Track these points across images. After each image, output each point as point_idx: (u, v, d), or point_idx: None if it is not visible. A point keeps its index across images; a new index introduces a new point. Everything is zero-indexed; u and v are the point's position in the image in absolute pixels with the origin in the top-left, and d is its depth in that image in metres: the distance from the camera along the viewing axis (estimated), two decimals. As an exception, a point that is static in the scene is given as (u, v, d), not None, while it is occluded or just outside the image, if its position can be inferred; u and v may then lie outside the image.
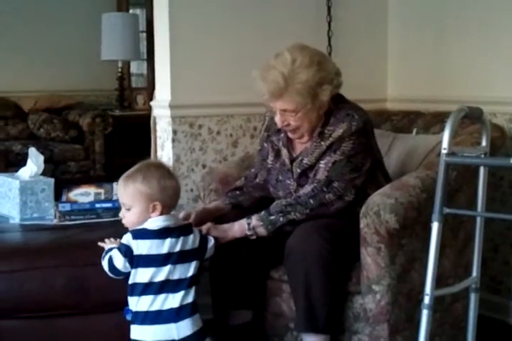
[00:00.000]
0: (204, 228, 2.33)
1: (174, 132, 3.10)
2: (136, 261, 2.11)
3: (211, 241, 2.26)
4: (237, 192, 2.64)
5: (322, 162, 2.39)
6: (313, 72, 2.34)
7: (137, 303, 2.10)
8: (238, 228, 2.37)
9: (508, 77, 2.99)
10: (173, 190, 2.16)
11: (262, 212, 2.37)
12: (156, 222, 2.14)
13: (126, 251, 2.11)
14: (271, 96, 2.35)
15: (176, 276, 2.11)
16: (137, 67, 6.95)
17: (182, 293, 2.10)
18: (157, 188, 2.13)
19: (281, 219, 2.34)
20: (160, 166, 2.22)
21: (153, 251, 2.11)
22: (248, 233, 2.36)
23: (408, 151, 2.79)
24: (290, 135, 2.48)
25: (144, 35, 6.47)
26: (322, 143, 2.40)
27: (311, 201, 2.34)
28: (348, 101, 2.49)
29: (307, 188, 2.38)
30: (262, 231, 2.36)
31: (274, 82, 2.32)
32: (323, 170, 2.37)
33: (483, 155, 2.15)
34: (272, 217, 2.35)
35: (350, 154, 2.36)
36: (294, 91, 2.32)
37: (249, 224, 2.36)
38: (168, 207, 2.16)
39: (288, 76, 2.32)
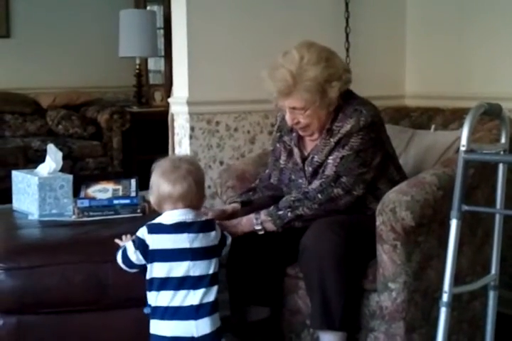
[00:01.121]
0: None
1: (192, 129, 3.10)
2: (152, 255, 2.12)
3: (229, 239, 2.27)
4: (250, 193, 2.65)
5: (330, 158, 2.38)
6: (321, 68, 2.34)
7: (156, 298, 2.11)
8: (246, 222, 2.38)
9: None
10: (178, 193, 2.15)
11: (271, 207, 2.38)
12: (171, 216, 2.15)
13: (139, 244, 2.12)
14: (280, 94, 2.36)
15: (196, 273, 2.11)
16: (155, 64, 6.96)
17: (203, 290, 2.11)
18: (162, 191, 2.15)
19: (289, 214, 2.35)
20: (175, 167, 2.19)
21: (169, 246, 2.11)
22: (256, 227, 2.37)
23: (426, 148, 2.78)
24: (301, 132, 2.48)
25: (162, 31, 6.49)
26: (331, 139, 2.40)
27: (320, 196, 2.34)
28: (357, 96, 2.48)
29: (315, 183, 2.38)
30: (270, 226, 2.37)
31: (283, 80, 2.33)
32: (332, 166, 2.37)
33: (502, 152, 2.14)
34: (280, 212, 2.36)
35: (358, 149, 2.36)
36: (302, 88, 2.32)
37: (257, 218, 2.37)
38: (182, 201, 2.15)
39: (296, 74, 2.32)
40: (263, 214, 2.38)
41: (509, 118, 2.26)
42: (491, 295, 2.22)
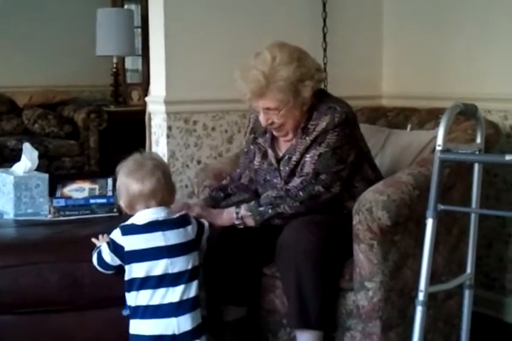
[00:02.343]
0: (196, 211, 2.36)
1: (169, 128, 3.09)
2: (129, 256, 2.11)
3: (206, 225, 2.28)
4: (221, 195, 2.63)
5: (308, 155, 2.39)
6: (293, 68, 2.34)
7: (136, 298, 2.10)
8: (226, 216, 2.40)
9: (503, 73, 2.99)
10: (148, 189, 2.14)
11: (252, 202, 2.39)
12: (143, 215, 2.14)
13: (114, 247, 2.13)
14: (253, 95, 2.36)
15: (175, 270, 2.11)
16: (132, 63, 6.93)
17: (182, 286, 2.11)
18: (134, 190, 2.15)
19: (269, 211, 2.36)
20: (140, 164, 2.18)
21: (144, 246, 2.11)
22: (236, 222, 2.39)
23: (402, 147, 2.80)
24: (275, 133, 2.48)
25: (139, 30, 6.46)
26: (307, 138, 2.41)
27: (301, 193, 2.35)
28: (330, 95, 2.50)
29: (296, 181, 2.38)
30: (249, 221, 2.38)
31: (255, 81, 2.33)
32: (310, 163, 2.38)
33: (477, 152, 2.16)
34: (261, 209, 2.36)
35: (335, 146, 2.37)
36: (275, 88, 2.33)
37: (237, 213, 2.38)
38: (154, 198, 2.14)
39: (268, 74, 2.32)
40: (243, 209, 2.38)
41: (484, 119, 2.28)
42: (467, 294, 2.24)
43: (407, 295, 2.29)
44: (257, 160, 2.57)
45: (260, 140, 2.58)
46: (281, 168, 2.47)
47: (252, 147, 2.61)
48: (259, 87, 2.33)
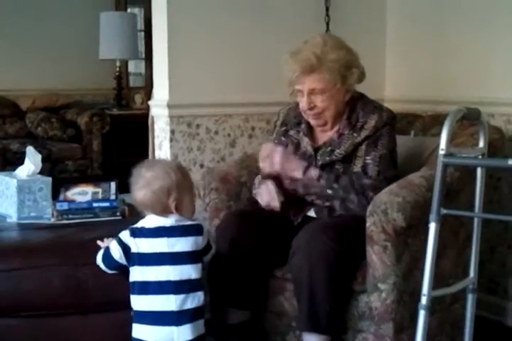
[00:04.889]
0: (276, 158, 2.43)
1: (172, 132, 3.09)
2: (133, 258, 2.12)
3: (213, 248, 2.29)
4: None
5: (368, 158, 2.44)
6: (343, 53, 2.45)
7: (137, 302, 2.10)
8: (312, 175, 2.43)
9: (506, 77, 2.99)
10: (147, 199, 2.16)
11: (332, 175, 2.42)
12: (152, 220, 2.15)
13: (123, 245, 2.13)
14: (303, 71, 2.41)
15: (177, 278, 2.10)
16: (135, 67, 6.94)
17: (183, 296, 2.10)
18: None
19: (340, 192, 2.40)
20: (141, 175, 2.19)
21: (148, 250, 2.11)
22: (300, 175, 2.44)
23: (407, 153, 2.79)
24: (313, 122, 2.51)
25: (142, 34, 6.46)
26: (355, 134, 2.46)
27: (370, 193, 2.36)
28: (370, 99, 2.58)
29: (366, 182, 2.40)
30: (320, 181, 2.43)
31: (307, 60, 2.40)
32: (373, 166, 2.43)
33: (480, 156, 2.15)
34: (335, 185, 2.40)
35: (390, 147, 2.46)
36: (325, 68, 2.40)
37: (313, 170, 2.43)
38: (145, 208, 2.16)
39: (320, 55, 2.41)
40: (321, 172, 2.43)
41: (488, 123, 2.28)
42: (470, 298, 2.24)
43: (418, 297, 2.28)
44: (290, 148, 2.59)
45: (292, 132, 2.61)
46: (318, 157, 2.50)
47: (283, 139, 2.63)
48: (309, 65, 2.40)
